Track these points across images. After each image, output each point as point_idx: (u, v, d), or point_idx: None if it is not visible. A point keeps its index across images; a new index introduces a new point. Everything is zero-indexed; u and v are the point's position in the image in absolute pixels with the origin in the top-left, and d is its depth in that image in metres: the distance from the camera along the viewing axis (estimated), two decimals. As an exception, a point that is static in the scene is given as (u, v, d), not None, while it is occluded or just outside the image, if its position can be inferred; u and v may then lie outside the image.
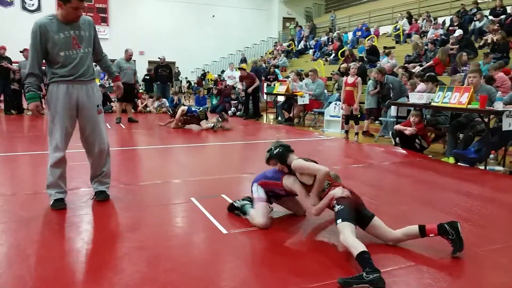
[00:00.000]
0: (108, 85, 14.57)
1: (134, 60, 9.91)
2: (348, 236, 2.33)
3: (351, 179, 4.60)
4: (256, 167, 5.27)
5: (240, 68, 11.06)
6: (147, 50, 20.62)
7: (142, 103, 12.39)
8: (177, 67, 21.88)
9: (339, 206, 2.56)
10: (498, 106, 5.07)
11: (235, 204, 3.19)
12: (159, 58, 12.62)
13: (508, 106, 5.19)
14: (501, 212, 3.42)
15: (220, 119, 8.56)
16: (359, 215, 2.61)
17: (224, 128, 8.55)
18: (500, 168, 5.08)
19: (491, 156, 5.12)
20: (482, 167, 5.08)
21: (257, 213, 2.96)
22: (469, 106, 5.23)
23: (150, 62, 19.00)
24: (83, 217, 3.10)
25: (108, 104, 12.18)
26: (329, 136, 8.04)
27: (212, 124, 8.41)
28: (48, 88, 3.15)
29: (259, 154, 6.39)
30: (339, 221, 2.46)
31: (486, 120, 5.19)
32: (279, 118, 10.48)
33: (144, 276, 2.20)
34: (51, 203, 3.24)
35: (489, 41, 10.47)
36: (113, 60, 11.18)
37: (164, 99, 12.10)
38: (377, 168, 5.24)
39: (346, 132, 7.74)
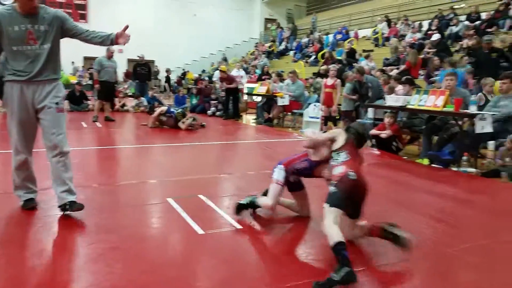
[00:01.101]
0: (85, 83, 14.31)
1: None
2: (329, 225, 2.25)
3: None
4: (234, 167, 5.28)
5: (220, 70, 11.04)
6: (126, 48, 20.34)
7: (119, 102, 12.21)
8: (156, 66, 21.66)
9: (333, 188, 2.44)
10: (472, 109, 5.21)
11: (242, 202, 3.14)
12: (138, 56, 12.48)
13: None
14: (473, 213, 3.51)
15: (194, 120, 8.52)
16: (355, 207, 2.53)
17: (197, 123, 8.49)
18: (472, 169, 5.21)
19: (464, 158, 5.25)
20: (455, 169, 5.21)
21: (268, 195, 3.01)
22: (444, 109, 5.36)
23: (129, 61, 18.76)
24: (56, 218, 3.03)
25: (85, 102, 11.96)
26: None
27: (190, 124, 8.35)
28: (3, 87, 2.93)
29: (238, 154, 6.40)
30: (326, 205, 2.36)
31: (460, 123, 5.32)
32: (259, 119, 10.50)
33: (119, 278, 2.17)
34: (22, 204, 3.14)
35: (464, 46, 10.75)
36: (94, 58, 11.09)
37: (142, 98, 11.95)
38: (355, 169, 5.29)
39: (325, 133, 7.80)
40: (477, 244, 2.74)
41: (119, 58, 10.69)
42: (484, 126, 5.03)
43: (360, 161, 2.74)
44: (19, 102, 2.88)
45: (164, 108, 8.66)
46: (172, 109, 8.79)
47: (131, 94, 13.18)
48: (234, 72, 13.22)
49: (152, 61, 21.28)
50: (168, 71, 20.15)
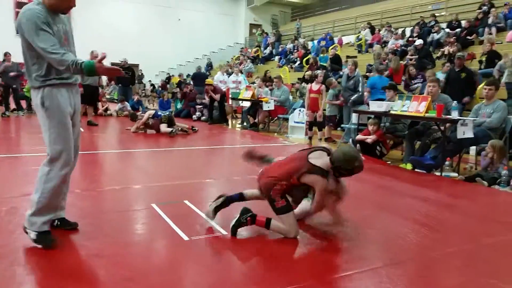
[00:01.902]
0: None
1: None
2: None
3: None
4: (220, 172, 5.25)
5: (207, 84, 11.03)
6: (110, 52, 20.14)
7: (102, 106, 12.06)
8: (141, 70, 21.51)
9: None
10: (454, 115, 5.31)
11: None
12: (120, 60, 12.38)
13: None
14: (456, 217, 3.56)
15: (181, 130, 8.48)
16: None
17: (184, 129, 8.47)
18: (455, 174, 5.30)
19: (447, 162, 5.34)
20: (438, 173, 5.28)
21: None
22: (427, 114, 5.44)
23: (112, 64, 18.56)
24: (37, 224, 2.95)
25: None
26: (293, 142, 8.12)
27: (171, 130, 8.27)
28: (43, 92, 2.50)
29: (223, 159, 6.38)
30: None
31: (442, 128, 5.41)
32: (244, 124, 10.50)
33: (101, 285, 2.12)
34: (37, 236, 2.54)
35: (446, 52, 10.97)
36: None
37: (126, 103, 11.84)
38: (339, 174, 5.33)
39: (310, 138, 7.85)
40: (461, 248, 2.78)
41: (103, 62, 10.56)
42: (466, 132, 5.13)
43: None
44: (67, 107, 2.58)
45: (151, 112, 8.60)
46: (159, 113, 8.72)
47: (115, 98, 13.06)
48: (218, 77, 13.21)
49: (136, 65, 21.13)
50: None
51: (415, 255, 2.68)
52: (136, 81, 19.28)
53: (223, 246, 2.74)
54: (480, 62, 9.62)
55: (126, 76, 11.82)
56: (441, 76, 8.88)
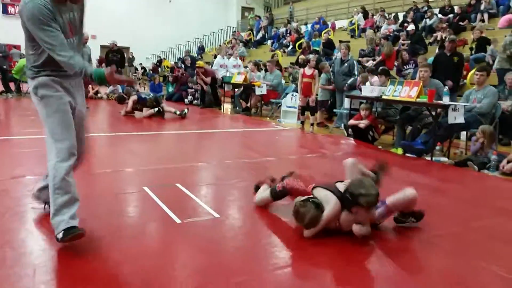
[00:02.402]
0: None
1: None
2: None
3: (306, 168, 4.69)
4: (211, 156, 5.24)
5: (198, 66, 10.91)
6: (99, 34, 19.80)
7: (92, 89, 11.91)
8: (131, 53, 21.20)
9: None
10: (445, 100, 5.34)
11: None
12: (108, 43, 12.20)
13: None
14: (445, 201, 3.61)
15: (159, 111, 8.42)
16: None
17: (183, 114, 8.42)
18: (445, 159, 5.35)
19: (437, 147, 5.38)
20: (428, 158, 5.33)
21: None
22: (418, 99, 5.46)
23: (102, 47, 18.26)
24: (28, 207, 2.93)
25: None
26: (286, 126, 8.12)
27: (158, 109, 8.22)
28: (38, 81, 2.35)
29: (215, 143, 6.36)
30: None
31: (433, 113, 5.44)
32: (237, 108, 10.46)
33: (93, 268, 2.12)
34: (63, 233, 2.25)
35: (438, 38, 10.97)
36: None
37: (118, 85, 11.69)
38: (331, 158, 5.36)
39: (302, 123, 7.85)
40: (450, 231, 2.82)
41: (92, 45, 10.40)
42: (457, 117, 5.17)
43: None
44: (65, 96, 2.40)
45: (135, 98, 8.46)
46: (144, 96, 8.59)
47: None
48: (219, 61, 12.67)
49: (127, 48, 20.81)
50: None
51: (405, 238, 2.71)
52: (127, 64, 19.04)
53: (216, 229, 2.75)
54: (471, 48, 9.65)
55: (115, 58, 11.66)
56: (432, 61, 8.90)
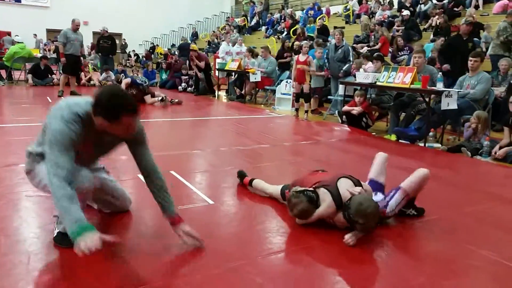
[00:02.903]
0: (50, 56, 13.71)
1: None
2: None
3: (300, 155, 4.71)
4: (206, 143, 5.24)
5: (191, 50, 10.80)
6: (92, 20, 19.53)
7: (85, 76, 11.80)
8: (124, 39, 20.98)
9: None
10: (439, 86, 5.35)
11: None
12: (100, 29, 12.05)
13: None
14: (438, 186, 3.64)
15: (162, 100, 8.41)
16: None
17: (174, 102, 8.42)
18: (438, 145, 5.39)
19: (430, 133, 5.41)
20: (421, 144, 5.37)
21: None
22: (412, 86, 5.47)
23: (94, 34, 18.04)
24: (22, 195, 2.92)
25: (50, 76, 11.50)
26: (280, 113, 8.12)
27: (161, 97, 8.23)
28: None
29: (210, 130, 6.35)
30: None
31: (427, 99, 5.46)
32: (231, 95, 10.42)
33: (87, 256, 2.12)
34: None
35: (433, 24, 10.94)
36: (57, 31, 10.57)
37: (110, 72, 11.59)
38: (325, 144, 5.38)
39: (297, 110, 7.84)
40: (442, 216, 2.85)
41: (84, 31, 10.26)
42: (450, 103, 5.19)
43: None
44: None
45: (128, 80, 8.37)
46: (138, 80, 8.52)
47: (98, 67, 12.80)
48: (224, 48, 11.77)
49: (119, 34, 20.59)
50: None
51: (398, 222, 2.75)
52: (119, 51, 18.86)
53: (210, 215, 2.77)
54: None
55: (106, 45, 11.53)
56: (428, 47, 8.89)
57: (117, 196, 2.62)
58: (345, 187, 2.51)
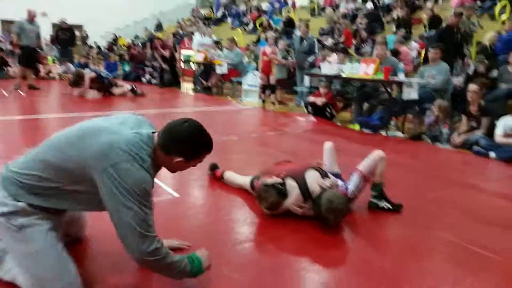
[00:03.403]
0: (5, 48, 13.08)
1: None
2: None
3: (268, 146, 4.72)
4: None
5: (156, 38, 10.58)
6: (50, 11, 18.69)
7: (44, 69, 11.34)
8: (85, 31, 20.27)
9: None
10: (401, 77, 5.48)
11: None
12: (58, 21, 11.62)
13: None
14: (401, 173, 3.74)
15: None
16: None
17: (137, 93, 8.29)
18: (400, 133, 5.54)
19: (392, 123, 5.55)
20: (384, 133, 5.51)
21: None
22: (375, 77, 5.58)
23: (54, 25, 17.31)
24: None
25: (5, 68, 10.97)
26: (247, 105, 8.10)
27: (131, 87, 8.14)
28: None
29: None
30: None
31: (389, 90, 5.59)
32: (197, 87, 10.29)
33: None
34: None
35: (395, 17, 11.19)
36: (12, 22, 10.07)
37: (69, 64, 11.19)
38: (292, 135, 5.42)
39: (263, 101, 7.86)
40: (405, 203, 2.92)
41: (43, 23, 9.83)
42: (411, 93, 5.33)
43: None
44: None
45: (93, 75, 8.14)
46: (104, 75, 8.32)
47: (57, 59, 12.33)
48: (198, 39, 10.92)
49: (80, 26, 19.87)
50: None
51: (363, 210, 2.81)
52: (80, 43, 18.20)
53: (176, 208, 2.73)
54: (425, 26, 9.94)
55: (65, 37, 11.13)
56: (391, 39, 9.09)
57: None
58: (313, 179, 2.53)
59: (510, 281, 2.00)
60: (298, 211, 2.51)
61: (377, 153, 2.73)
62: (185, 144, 1.66)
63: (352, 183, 2.68)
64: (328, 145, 3.10)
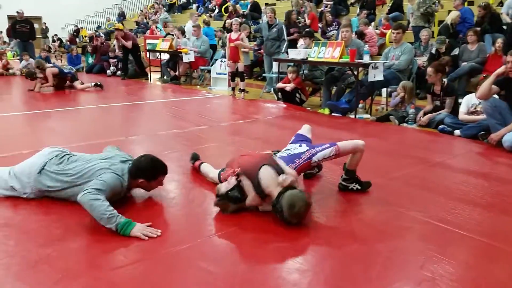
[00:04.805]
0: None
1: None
2: None
3: (238, 134, 4.72)
4: (142, 128, 5.07)
5: (116, 29, 10.26)
6: (5, 2, 17.82)
7: (4, 66, 10.84)
8: (45, 23, 19.48)
9: None
10: (366, 59, 5.56)
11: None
12: (17, 12, 11.11)
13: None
14: (369, 154, 3.79)
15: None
16: None
17: (102, 87, 8.13)
18: (368, 116, 5.65)
19: (360, 105, 5.65)
20: (352, 116, 5.59)
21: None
22: (341, 60, 5.63)
23: (10, 18, 16.52)
24: None
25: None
26: (217, 93, 8.04)
27: (95, 83, 7.97)
28: None
29: (145, 115, 6.14)
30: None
31: (355, 72, 5.66)
32: (164, 77, 10.10)
33: (13, 252, 1.99)
34: None
35: (359, -1, 11.29)
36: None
37: (31, 59, 10.74)
38: (262, 122, 5.43)
39: (233, 89, 7.81)
40: (373, 182, 2.99)
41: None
42: (376, 75, 5.42)
43: None
44: None
45: (55, 70, 7.87)
46: (67, 70, 8.09)
47: (18, 54, 11.82)
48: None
49: (39, 18, 19.09)
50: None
51: (328, 190, 2.86)
52: (40, 36, 17.51)
53: (148, 201, 2.70)
54: (389, 7, 10.10)
55: (24, 30, 10.66)
56: (355, 21, 9.19)
57: None
58: (267, 176, 2.43)
59: (478, 256, 2.09)
60: (259, 208, 2.52)
61: (361, 142, 2.78)
62: (143, 170, 2.57)
63: (322, 152, 2.64)
64: (306, 126, 3.20)
